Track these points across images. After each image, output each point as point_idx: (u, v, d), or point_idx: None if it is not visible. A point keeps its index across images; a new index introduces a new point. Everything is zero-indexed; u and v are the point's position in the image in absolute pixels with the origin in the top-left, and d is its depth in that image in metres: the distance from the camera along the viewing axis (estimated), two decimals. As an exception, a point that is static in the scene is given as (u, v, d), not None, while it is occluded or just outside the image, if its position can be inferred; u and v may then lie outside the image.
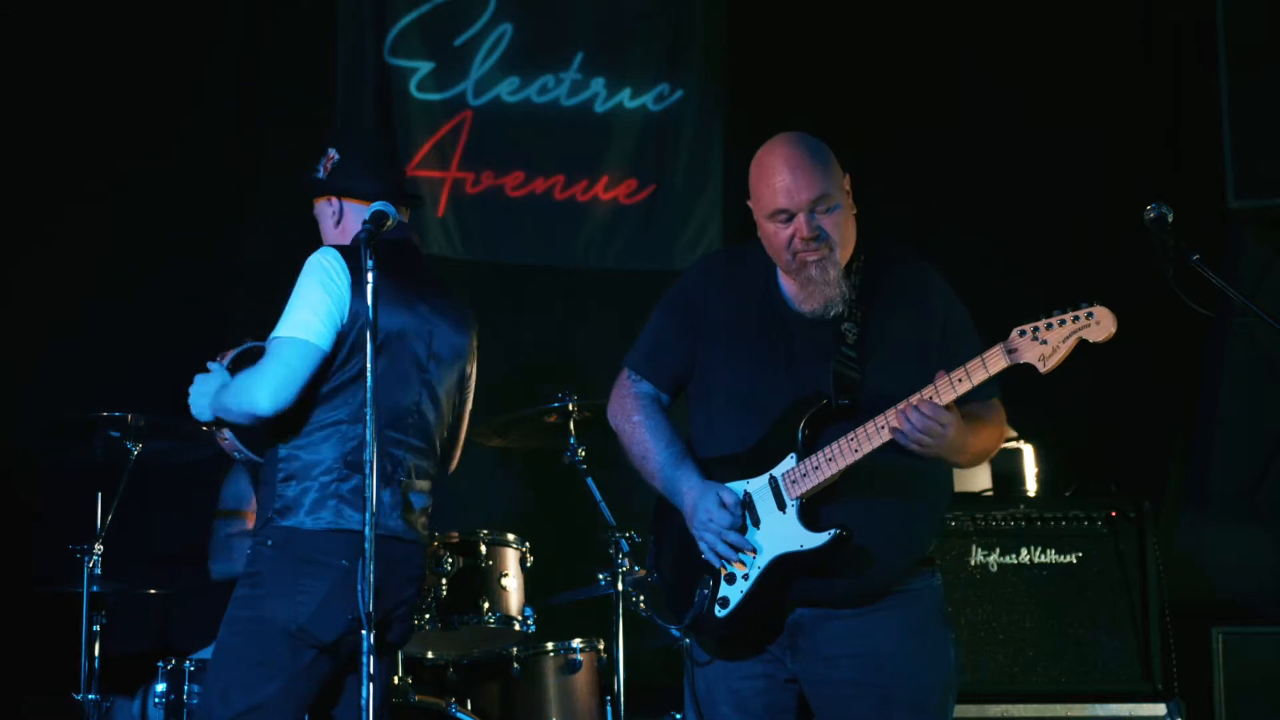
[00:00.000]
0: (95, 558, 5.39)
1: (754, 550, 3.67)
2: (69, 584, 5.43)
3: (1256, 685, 5.93)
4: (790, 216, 3.71)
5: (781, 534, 3.67)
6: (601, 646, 5.62)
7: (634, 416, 3.95)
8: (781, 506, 3.68)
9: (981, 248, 6.96)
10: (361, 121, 7.06)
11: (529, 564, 5.50)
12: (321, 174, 4.37)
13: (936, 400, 3.53)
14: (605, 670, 5.60)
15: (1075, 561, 5.95)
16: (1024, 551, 5.96)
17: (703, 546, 3.73)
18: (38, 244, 6.53)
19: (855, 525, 3.63)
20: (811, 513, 3.66)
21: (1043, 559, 5.96)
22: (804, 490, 3.65)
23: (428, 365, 4.31)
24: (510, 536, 5.48)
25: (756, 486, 3.72)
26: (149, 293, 6.47)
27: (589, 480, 5.63)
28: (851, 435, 3.61)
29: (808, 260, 3.71)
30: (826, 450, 3.64)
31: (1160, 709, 5.80)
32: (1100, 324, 3.47)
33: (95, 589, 5.37)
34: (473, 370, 4.54)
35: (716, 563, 3.73)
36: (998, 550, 5.96)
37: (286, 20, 7.01)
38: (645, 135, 7.27)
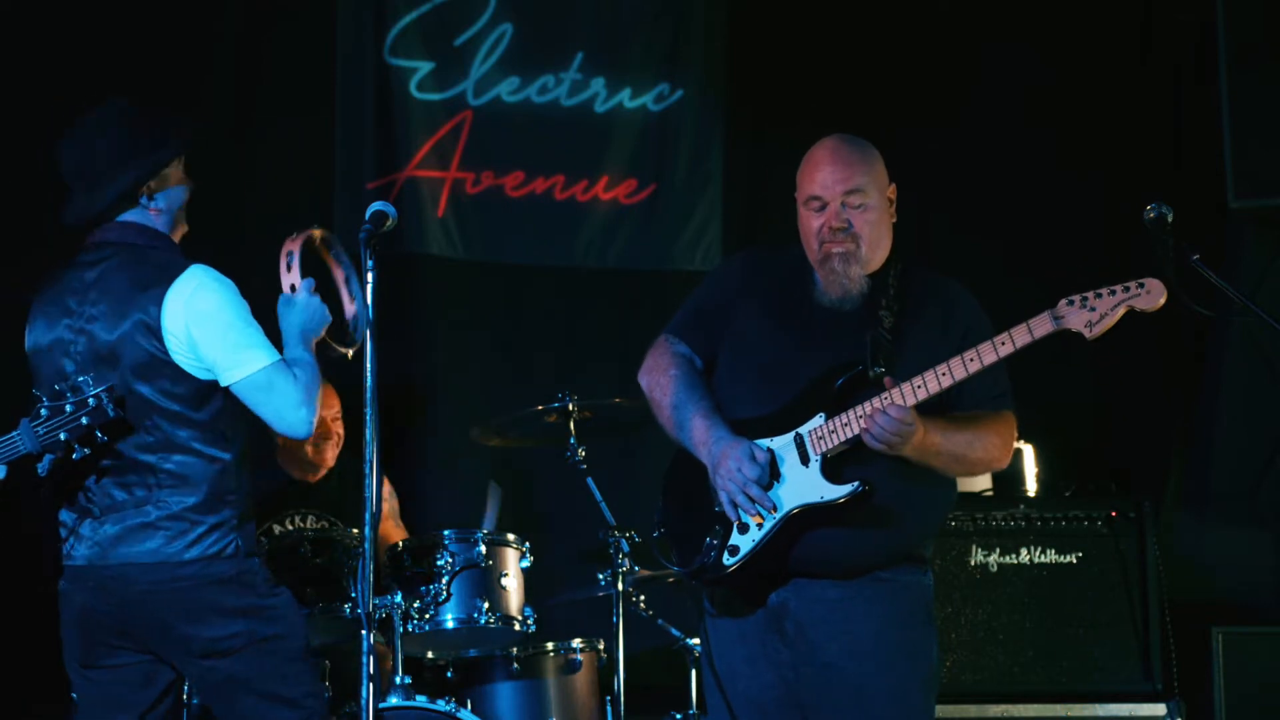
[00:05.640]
0: (95, 558, 5.37)
1: (774, 506, 3.71)
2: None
3: (1256, 685, 5.93)
4: (823, 205, 3.82)
5: (803, 486, 3.72)
6: (601, 646, 5.62)
7: (671, 370, 3.96)
8: (805, 461, 3.73)
9: (982, 247, 6.95)
10: (360, 121, 7.07)
11: (529, 564, 5.50)
12: None
13: (900, 401, 3.61)
14: (605, 670, 5.60)
15: (1075, 561, 5.96)
16: (1024, 551, 5.96)
17: (722, 496, 3.76)
18: (37, 244, 6.51)
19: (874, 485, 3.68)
20: (834, 469, 3.70)
21: (1043, 559, 5.96)
22: (830, 446, 3.71)
23: (88, 371, 4.12)
24: (510, 536, 5.48)
25: (781, 443, 3.76)
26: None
27: (589, 480, 5.63)
28: (886, 395, 3.65)
29: (832, 251, 3.81)
30: (857, 409, 3.68)
31: (1160, 709, 5.80)
32: (1150, 293, 3.52)
33: (95, 589, 5.35)
34: (193, 334, 4.06)
35: (732, 514, 3.75)
36: (998, 550, 5.96)
37: (286, 20, 7.00)
38: (645, 135, 7.26)
